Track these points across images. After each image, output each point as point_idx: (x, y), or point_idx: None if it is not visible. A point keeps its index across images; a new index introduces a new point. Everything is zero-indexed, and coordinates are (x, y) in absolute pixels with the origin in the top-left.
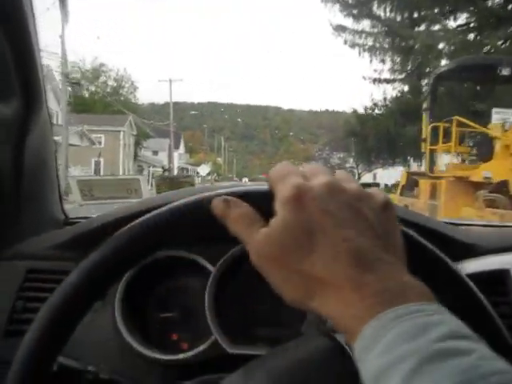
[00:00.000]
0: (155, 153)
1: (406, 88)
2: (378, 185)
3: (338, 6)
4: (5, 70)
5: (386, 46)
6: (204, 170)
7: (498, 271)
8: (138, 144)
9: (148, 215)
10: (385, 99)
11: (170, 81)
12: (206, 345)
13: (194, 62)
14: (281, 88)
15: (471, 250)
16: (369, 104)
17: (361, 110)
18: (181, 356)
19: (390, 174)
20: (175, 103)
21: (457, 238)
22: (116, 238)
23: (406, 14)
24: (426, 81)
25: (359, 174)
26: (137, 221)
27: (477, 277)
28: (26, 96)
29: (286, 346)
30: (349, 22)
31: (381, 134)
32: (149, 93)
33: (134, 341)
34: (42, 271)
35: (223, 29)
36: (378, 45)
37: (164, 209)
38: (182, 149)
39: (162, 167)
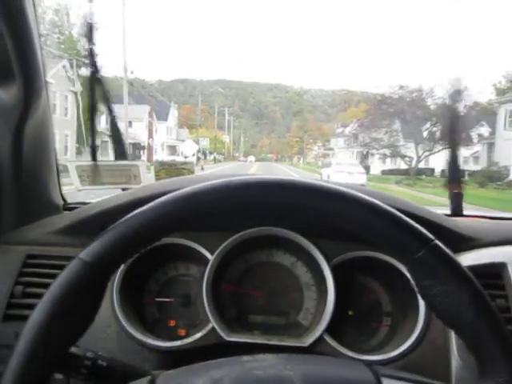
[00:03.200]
0: (129, 124)
1: None
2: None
3: None
4: (5, 56)
5: None
6: (189, 147)
7: (495, 264)
8: (94, 108)
9: (157, 202)
10: None
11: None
12: (203, 332)
13: (202, 40)
14: (291, 66)
15: (468, 243)
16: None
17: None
18: (178, 343)
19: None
20: (183, 80)
21: (454, 230)
22: (124, 224)
23: None
24: None
25: (419, 158)
26: (146, 206)
27: (474, 270)
28: (25, 82)
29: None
30: None
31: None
32: (157, 70)
33: (132, 327)
34: (42, 257)
35: (233, 5)
36: None
37: (175, 195)
38: (171, 121)
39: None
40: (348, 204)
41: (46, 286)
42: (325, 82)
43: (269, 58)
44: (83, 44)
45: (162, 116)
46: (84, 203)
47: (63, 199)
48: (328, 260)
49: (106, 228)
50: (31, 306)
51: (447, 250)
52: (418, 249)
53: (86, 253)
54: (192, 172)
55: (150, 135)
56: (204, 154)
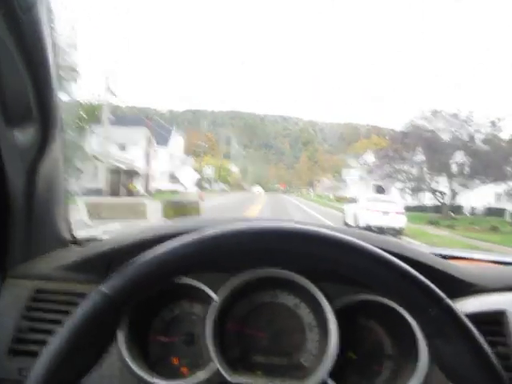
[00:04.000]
0: (122, 147)
1: None
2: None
3: None
4: (23, 98)
5: None
6: (187, 176)
7: (496, 311)
8: (80, 129)
9: (171, 244)
10: None
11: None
12: (207, 373)
13: (212, 71)
14: (301, 99)
15: (468, 288)
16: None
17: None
18: (180, 382)
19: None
20: (194, 111)
21: (450, 274)
22: (144, 260)
23: None
24: None
25: (454, 193)
26: (159, 248)
27: (474, 316)
28: (43, 124)
29: None
30: None
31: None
32: (168, 101)
33: (136, 366)
34: (50, 292)
35: (244, 36)
36: None
37: (196, 237)
38: (173, 147)
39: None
40: (363, 258)
41: (53, 321)
42: (333, 115)
43: (279, 91)
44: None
45: (162, 141)
46: (92, 239)
47: (72, 234)
48: (331, 302)
49: (115, 267)
50: (37, 342)
51: (459, 311)
52: (430, 306)
53: (107, 286)
54: (198, 211)
55: (148, 161)
56: (209, 182)
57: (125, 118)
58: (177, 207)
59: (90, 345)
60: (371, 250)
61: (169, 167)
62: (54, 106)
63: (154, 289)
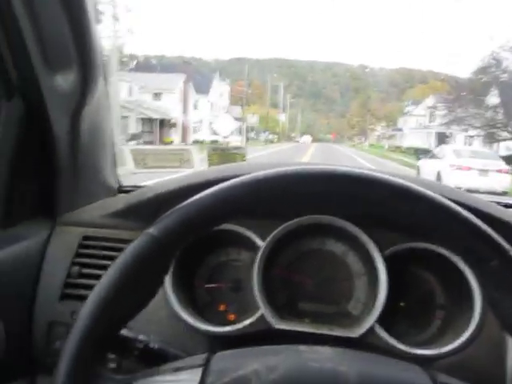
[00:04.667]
0: (157, 96)
1: None
2: None
3: None
4: (63, 43)
5: None
6: (224, 125)
7: None
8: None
9: (220, 187)
10: None
11: None
12: (253, 319)
13: (260, 18)
14: (350, 44)
15: None
16: None
17: None
18: (227, 328)
19: None
20: (238, 59)
21: (510, 223)
22: (194, 203)
23: None
24: None
25: None
26: (208, 191)
27: None
28: (83, 69)
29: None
30: None
31: None
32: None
33: (184, 311)
34: (98, 238)
35: None
36: None
37: (242, 180)
38: (214, 95)
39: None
40: (424, 204)
41: (101, 267)
42: (385, 60)
43: (327, 36)
44: None
45: (202, 88)
46: (139, 186)
47: (119, 182)
48: (381, 250)
49: (161, 212)
50: (87, 287)
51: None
52: (492, 257)
53: (155, 228)
54: (244, 157)
55: (185, 110)
56: (254, 132)
57: (160, 64)
58: (222, 154)
59: (137, 287)
60: (432, 196)
61: (209, 117)
62: (94, 50)
63: (202, 232)
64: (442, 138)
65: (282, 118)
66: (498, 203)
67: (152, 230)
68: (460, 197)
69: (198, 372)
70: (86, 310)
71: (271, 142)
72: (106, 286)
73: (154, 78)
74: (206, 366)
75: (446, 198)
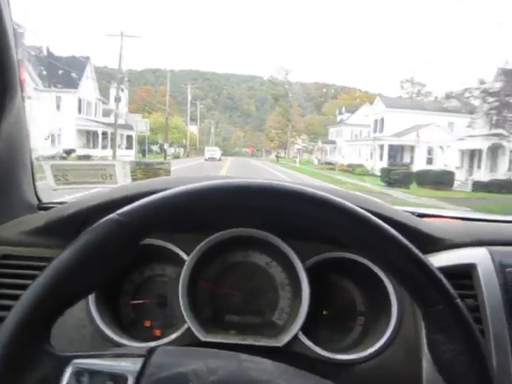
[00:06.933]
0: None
1: None
2: None
3: None
4: None
5: None
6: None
7: (465, 265)
8: None
9: (144, 201)
10: None
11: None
12: (179, 333)
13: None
14: (267, 57)
15: (439, 244)
16: None
17: None
18: (153, 344)
19: None
20: (154, 70)
21: (423, 231)
22: (104, 226)
23: None
24: None
25: None
26: (127, 208)
27: (445, 270)
28: None
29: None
30: None
31: None
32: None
33: (107, 328)
34: (17, 257)
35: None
36: None
37: (158, 196)
38: (88, 91)
39: None
40: (372, 236)
41: (21, 287)
42: (300, 74)
43: (243, 49)
44: None
45: (70, 81)
46: (59, 203)
47: (38, 198)
48: (302, 260)
49: (82, 229)
50: (5, 308)
51: (466, 312)
52: (438, 302)
53: (121, 212)
54: (168, 172)
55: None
56: (159, 145)
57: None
58: (146, 169)
59: (96, 264)
60: (382, 225)
61: (82, 122)
62: (11, 64)
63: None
64: (395, 152)
65: (193, 129)
66: (412, 213)
67: (116, 215)
68: (374, 206)
69: (139, 362)
70: (42, 280)
71: (177, 156)
72: (66, 258)
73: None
74: (147, 357)
75: (362, 207)
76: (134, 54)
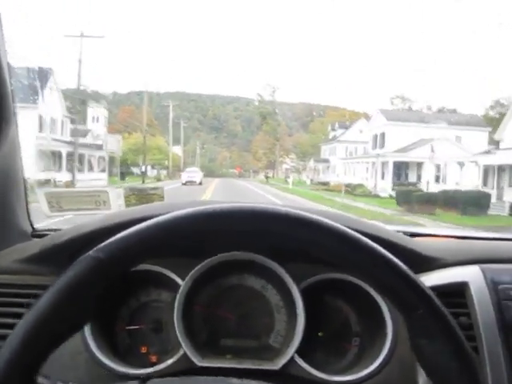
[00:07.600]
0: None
1: None
2: None
3: None
4: None
5: None
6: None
7: (458, 284)
8: None
9: (136, 228)
10: None
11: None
12: (175, 358)
13: (160, 52)
14: (252, 79)
15: (431, 263)
16: None
17: None
18: (149, 370)
19: None
20: (139, 92)
21: (415, 250)
22: (82, 264)
23: None
24: None
25: None
26: (104, 243)
27: (437, 289)
28: None
29: None
30: None
31: None
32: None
33: (103, 355)
34: (11, 285)
35: (191, 16)
36: None
37: (151, 223)
38: (51, 107)
39: None
40: (353, 250)
41: (15, 315)
42: (285, 95)
43: (229, 71)
44: None
45: (26, 96)
46: (53, 230)
47: (32, 226)
48: (297, 282)
49: (76, 256)
50: (2, 336)
51: (447, 314)
52: (419, 306)
53: (98, 249)
54: (162, 198)
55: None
56: (140, 166)
57: None
58: (140, 195)
59: (74, 308)
60: (364, 241)
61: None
62: (6, 95)
63: (118, 276)
64: (399, 169)
65: (177, 150)
66: (405, 233)
67: (93, 252)
68: (365, 227)
69: None
70: (22, 326)
71: (158, 179)
72: (45, 302)
73: None
74: None
75: (353, 229)
76: (119, 77)
